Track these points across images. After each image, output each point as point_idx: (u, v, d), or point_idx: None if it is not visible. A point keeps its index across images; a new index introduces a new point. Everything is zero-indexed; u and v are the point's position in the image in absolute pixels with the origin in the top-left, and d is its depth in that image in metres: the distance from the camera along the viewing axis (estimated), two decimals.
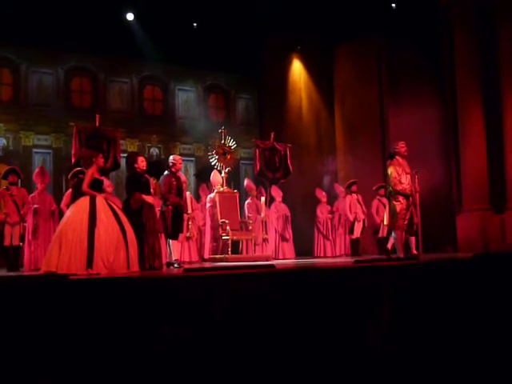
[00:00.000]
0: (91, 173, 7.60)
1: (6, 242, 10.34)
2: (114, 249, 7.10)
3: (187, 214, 11.28)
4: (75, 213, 7.20)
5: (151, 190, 8.82)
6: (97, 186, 7.57)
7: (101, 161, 7.88)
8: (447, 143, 15.22)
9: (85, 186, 7.46)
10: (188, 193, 11.55)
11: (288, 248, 13.53)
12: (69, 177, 10.89)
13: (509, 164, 13.64)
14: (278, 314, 5.40)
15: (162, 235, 9.55)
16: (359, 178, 14.37)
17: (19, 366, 4.23)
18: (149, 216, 8.40)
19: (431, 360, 6.05)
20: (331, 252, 13.86)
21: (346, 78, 16.63)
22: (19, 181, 11.02)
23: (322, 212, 14.04)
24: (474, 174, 14.01)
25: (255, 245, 12.36)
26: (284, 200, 13.86)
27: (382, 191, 13.61)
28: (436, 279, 6.61)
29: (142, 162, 8.64)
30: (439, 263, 7.72)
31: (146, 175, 8.78)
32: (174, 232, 9.40)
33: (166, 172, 9.56)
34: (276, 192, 13.68)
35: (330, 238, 13.98)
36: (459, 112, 14.45)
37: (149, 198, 8.43)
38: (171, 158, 9.83)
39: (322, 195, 14.14)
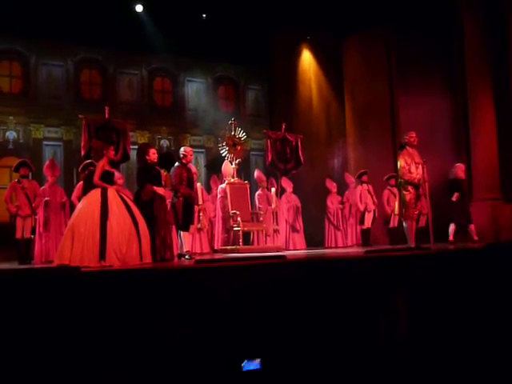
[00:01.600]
0: (102, 165, 7.61)
1: (18, 235, 10.37)
2: (127, 241, 7.11)
3: (198, 205, 11.28)
4: (87, 205, 7.21)
5: (162, 182, 8.83)
6: (108, 178, 7.59)
7: (111, 153, 7.90)
8: (458, 133, 15.15)
9: (96, 179, 7.47)
10: (199, 184, 11.55)
11: (299, 239, 13.52)
12: (79, 169, 10.91)
13: None
14: (289, 305, 5.41)
15: (173, 227, 9.55)
16: (369, 168, 14.32)
17: (31, 356, 4.26)
18: (160, 208, 8.40)
19: (444, 348, 6.05)
20: (342, 242, 13.84)
21: (356, 69, 16.54)
22: (30, 173, 11.05)
23: (333, 202, 13.99)
24: (485, 163, 13.94)
25: (266, 236, 12.35)
26: (295, 191, 13.84)
27: (392, 181, 13.57)
28: (448, 269, 6.60)
29: (153, 154, 8.63)
30: (451, 253, 7.70)
31: (157, 167, 8.78)
32: (185, 223, 9.40)
33: (176, 163, 9.55)
34: (286, 183, 13.65)
35: (341, 228, 13.95)
36: (470, 101, 14.37)
37: (160, 190, 8.44)
38: (182, 149, 9.80)
39: (332, 186, 14.10)
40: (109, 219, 7.06)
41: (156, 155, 8.69)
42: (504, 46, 13.89)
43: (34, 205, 10.49)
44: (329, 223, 13.96)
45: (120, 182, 10.56)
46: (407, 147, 9.58)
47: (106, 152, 7.78)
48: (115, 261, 6.94)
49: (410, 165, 9.43)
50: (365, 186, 13.67)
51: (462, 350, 6.15)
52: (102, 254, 6.90)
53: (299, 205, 13.68)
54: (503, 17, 13.96)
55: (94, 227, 6.99)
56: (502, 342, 6.31)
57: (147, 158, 8.60)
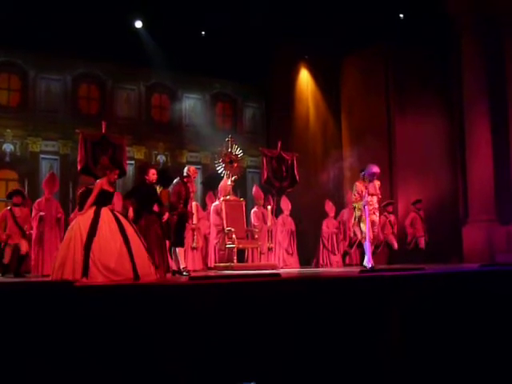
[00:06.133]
0: (100, 184, 7.61)
1: (6, 260, 10.43)
2: (115, 259, 7.07)
3: (193, 224, 11.35)
4: (80, 222, 7.25)
5: (161, 199, 8.85)
6: (106, 197, 7.58)
7: (113, 177, 7.84)
8: (454, 153, 15.20)
9: (91, 198, 7.49)
10: (194, 203, 11.52)
11: (293, 260, 13.42)
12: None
13: None
14: (283, 323, 5.39)
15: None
16: None
17: (21, 370, 4.24)
18: (150, 227, 8.34)
19: (438, 367, 6.03)
20: (336, 264, 13.71)
21: (353, 88, 16.63)
22: (23, 201, 11.08)
23: (328, 227, 13.80)
24: (481, 184, 13.97)
25: (261, 253, 12.31)
26: (291, 209, 13.79)
27: (389, 208, 13.72)
28: (442, 289, 6.59)
29: (152, 175, 8.65)
30: (445, 274, 7.70)
31: (155, 186, 8.82)
32: (179, 240, 9.42)
33: (176, 180, 9.61)
34: (285, 204, 13.52)
35: (336, 252, 13.80)
36: (466, 122, 14.44)
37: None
38: (187, 168, 9.95)
39: (330, 209, 13.91)
40: (96, 236, 7.07)
41: (155, 176, 8.70)
42: (501, 68, 13.97)
43: (27, 232, 10.60)
44: (323, 247, 13.81)
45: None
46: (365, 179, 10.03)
47: (108, 173, 7.75)
48: (99, 277, 6.90)
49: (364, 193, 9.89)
50: None
51: (456, 369, 6.14)
52: (85, 271, 6.90)
53: (294, 228, 13.51)
54: (501, 39, 14.06)
55: (82, 245, 7.01)
56: (495, 358, 6.31)
57: (146, 177, 8.63)
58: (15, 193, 10.93)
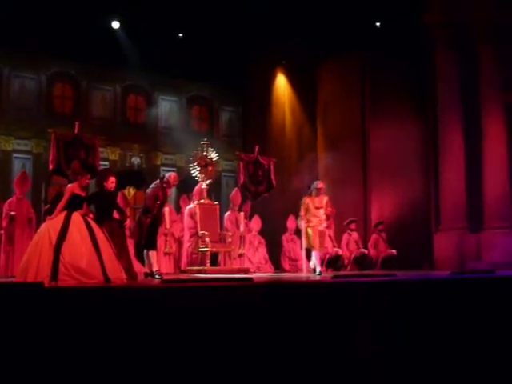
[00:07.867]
0: (72, 189, 7.54)
1: None
2: (86, 261, 7.01)
3: (166, 229, 11.32)
4: (49, 226, 7.19)
5: (118, 207, 8.82)
6: (77, 202, 7.51)
7: (85, 182, 7.77)
8: (427, 160, 15.28)
9: (62, 203, 7.42)
10: (167, 208, 11.48)
11: (267, 265, 13.39)
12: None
13: (487, 183, 13.74)
14: (255, 327, 5.38)
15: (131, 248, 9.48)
16: (340, 194, 14.40)
17: None
18: (112, 232, 8.23)
19: (412, 371, 6.07)
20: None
21: (329, 93, 16.66)
22: None
23: (288, 241, 13.78)
24: (453, 192, 14.08)
25: (233, 258, 12.30)
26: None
27: (352, 226, 13.86)
28: (413, 296, 6.64)
29: (111, 183, 8.52)
30: (416, 280, 7.75)
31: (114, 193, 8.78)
32: (151, 242, 9.39)
33: (155, 183, 9.62)
34: (256, 224, 13.54)
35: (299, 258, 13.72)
36: (439, 129, 14.56)
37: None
38: (168, 175, 9.98)
39: (292, 226, 13.60)
40: (65, 242, 7.00)
41: (114, 184, 8.59)
42: (475, 75, 14.12)
43: None
44: (289, 259, 13.71)
45: None
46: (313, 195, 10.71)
47: (80, 178, 7.67)
48: (70, 282, 6.84)
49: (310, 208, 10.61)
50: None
51: (428, 373, 6.19)
52: (54, 275, 6.82)
53: (263, 244, 13.50)
54: (474, 47, 14.21)
55: (50, 249, 6.93)
56: (465, 368, 6.37)
57: (105, 184, 8.52)
58: None
